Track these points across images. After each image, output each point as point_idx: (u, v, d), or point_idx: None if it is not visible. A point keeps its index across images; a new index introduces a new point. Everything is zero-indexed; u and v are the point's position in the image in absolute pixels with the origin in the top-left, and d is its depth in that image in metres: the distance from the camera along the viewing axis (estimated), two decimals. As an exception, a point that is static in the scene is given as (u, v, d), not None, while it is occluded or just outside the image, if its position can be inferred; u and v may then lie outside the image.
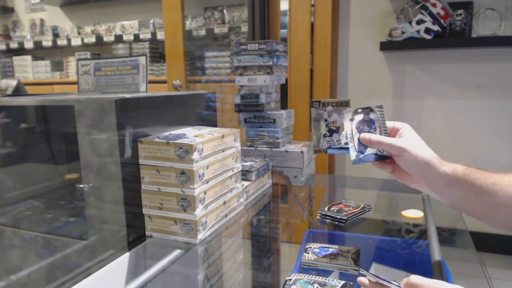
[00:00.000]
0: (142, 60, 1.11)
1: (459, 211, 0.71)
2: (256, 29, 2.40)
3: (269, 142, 1.31)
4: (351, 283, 0.65)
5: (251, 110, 1.31)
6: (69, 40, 3.59)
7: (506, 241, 2.21)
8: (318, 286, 0.64)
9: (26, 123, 1.12)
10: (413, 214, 1.01)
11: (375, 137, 0.68)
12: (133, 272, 0.83)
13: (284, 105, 2.14)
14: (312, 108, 0.73)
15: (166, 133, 0.92)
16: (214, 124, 1.21)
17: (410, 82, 2.31)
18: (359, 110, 0.72)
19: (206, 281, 0.78)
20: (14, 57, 3.92)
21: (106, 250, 0.88)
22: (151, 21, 3.33)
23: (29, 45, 3.76)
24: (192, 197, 0.82)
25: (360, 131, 0.70)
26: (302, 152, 1.27)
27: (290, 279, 0.66)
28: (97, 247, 0.90)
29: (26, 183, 1.16)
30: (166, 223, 0.86)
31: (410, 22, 2.09)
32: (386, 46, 2.23)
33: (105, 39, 3.45)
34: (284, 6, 2.49)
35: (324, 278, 0.67)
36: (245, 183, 1.08)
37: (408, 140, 0.69)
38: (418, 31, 2.08)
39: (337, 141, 0.72)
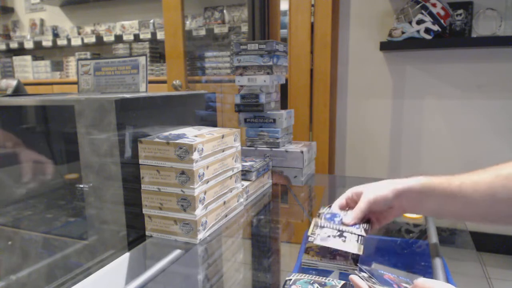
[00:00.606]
0: (142, 60, 1.11)
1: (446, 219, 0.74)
2: (256, 29, 2.40)
3: (269, 142, 1.31)
4: (351, 283, 0.65)
5: (251, 110, 1.31)
6: (69, 40, 3.59)
7: (506, 241, 2.21)
8: (318, 286, 0.64)
9: (26, 123, 1.12)
10: (413, 214, 1.01)
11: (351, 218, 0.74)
12: (133, 272, 0.83)
13: (284, 105, 2.14)
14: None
15: (166, 133, 0.92)
16: (214, 124, 1.21)
17: (410, 82, 2.31)
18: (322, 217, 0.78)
19: (206, 281, 0.78)
20: (14, 57, 3.92)
21: (106, 250, 0.88)
22: (151, 21, 3.33)
23: (29, 45, 3.76)
24: (192, 197, 0.82)
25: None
26: (302, 152, 1.27)
27: (290, 279, 0.66)
28: (97, 247, 0.90)
29: (26, 183, 1.16)
30: (166, 223, 0.86)
31: (410, 22, 2.09)
32: (386, 46, 2.23)
33: (105, 39, 3.45)
34: (284, 6, 2.49)
35: (324, 278, 0.66)
36: (245, 183, 1.08)
37: (365, 196, 0.74)
38: (418, 31, 2.08)
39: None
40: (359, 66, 2.41)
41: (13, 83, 1.38)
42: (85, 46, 3.61)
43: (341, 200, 0.79)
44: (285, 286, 0.64)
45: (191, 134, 0.89)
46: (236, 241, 0.96)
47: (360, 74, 2.42)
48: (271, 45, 1.24)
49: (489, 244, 2.20)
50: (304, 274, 0.68)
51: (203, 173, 0.84)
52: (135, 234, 0.88)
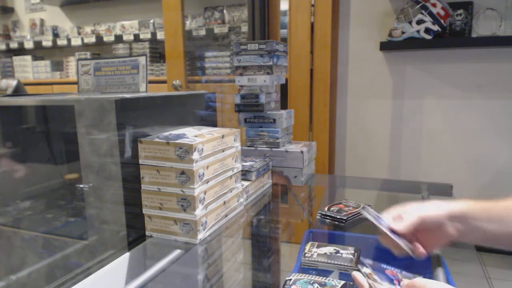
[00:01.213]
0: (142, 60, 1.11)
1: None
2: (256, 29, 2.40)
3: (269, 142, 1.31)
4: (351, 283, 0.65)
5: (251, 110, 1.31)
6: (69, 40, 3.59)
7: (506, 241, 2.21)
8: (318, 286, 0.64)
9: (26, 123, 1.12)
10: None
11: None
12: (133, 272, 0.83)
13: (284, 105, 2.14)
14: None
15: (166, 133, 0.92)
16: (214, 124, 1.21)
17: (410, 82, 2.31)
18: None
19: (206, 281, 0.78)
20: (14, 57, 3.92)
21: (106, 250, 0.88)
22: (151, 21, 3.33)
23: (29, 45, 3.76)
24: (192, 197, 0.82)
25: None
26: (302, 152, 1.27)
27: (290, 279, 0.66)
28: (97, 247, 0.90)
29: (26, 183, 1.16)
30: (166, 223, 0.86)
31: (410, 22, 2.09)
32: (386, 46, 2.23)
33: (105, 39, 3.45)
34: (284, 6, 2.49)
35: (324, 278, 0.66)
36: (245, 183, 1.08)
37: (416, 212, 0.68)
38: (418, 31, 2.08)
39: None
40: (359, 66, 2.41)
41: (13, 83, 1.38)
42: (85, 46, 3.61)
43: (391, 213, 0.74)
44: (285, 286, 0.65)
45: (191, 134, 0.89)
46: (236, 241, 0.96)
47: (360, 74, 2.42)
48: (271, 45, 1.24)
49: (489, 244, 2.20)
50: (304, 274, 0.68)
51: (203, 173, 0.84)
52: (135, 234, 0.88)
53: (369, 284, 0.54)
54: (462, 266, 0.78)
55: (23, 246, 1.04)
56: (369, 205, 1.00)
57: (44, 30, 3.83)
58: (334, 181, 1.73)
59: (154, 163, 0.84)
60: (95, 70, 1.17)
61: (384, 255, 0.88)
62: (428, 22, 2.05)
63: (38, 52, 3.92)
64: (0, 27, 4.12)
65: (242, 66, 1.29)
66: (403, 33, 2.12)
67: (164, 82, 2.91)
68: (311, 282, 0.65)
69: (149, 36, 3.26)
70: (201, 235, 0.85)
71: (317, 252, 0.77)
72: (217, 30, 3.00)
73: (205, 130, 0.96)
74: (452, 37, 2.17)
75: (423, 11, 2.05)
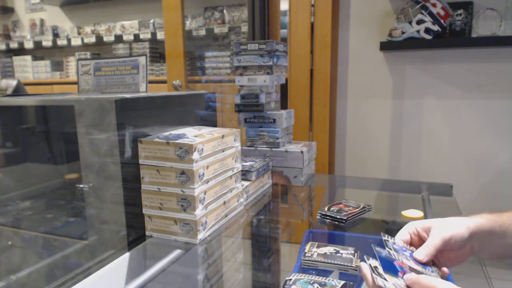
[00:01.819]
0: (142, 60, 1.11)
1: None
2: (256, 29, 2.40)
3: (269, 142, 1.31)
4: (351, 283, 0.65)
5: (251, 110, 1.31)
6: (69, 40, 3.59)
7: (506, 241, 2.20)
8: (318, 286, 0.64)
9: (26, 123, 1.12)
10: (413, 214, 1.01)
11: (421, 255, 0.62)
12: (133, 272, 0.83)
13: (284, 105, 2.14)
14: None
15: (166, 133, 0.92)
16: (214, 124, 1.21)
17: (410, 82, 2.31)
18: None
19: (206, 281, 0.78)
20: (14, 57, 3.92)
21: (106, 250, 0.88)
22: (151, 21, 3.33)
23: (29, 45, 3.76)
24: (192, 197, 0.82)
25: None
26: (302, 152, 1.27)
27: (290, 279, 0.66)
28: (97, 247, 0.90)
29: (26, 183, 1.16)
30: (166, 223, 0.86)
31: (410, 22, 2.09)
32: (386, 46, 2.23)
33: (105, 39, 3.45)
34: (284, 6, 2.49)
35: (324, 278, 0.67)
36: (245, 183, 1.08)
37: (439, 233, 0.63)
38: (418, 31, 2.08)
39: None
40: (359, 66, 2.41)
41: (13, 83, 1.38)
42: (85, 46, 3.61)
43: (404, 234, 0.67)
44: (285, 286, 0.65)
45: (191, 134, 0.89)
46: (236, 241, 0.96)
47: (360, 74, 2.42)
48: (271, 45, 1.24)
49: (489, 244, 2.20)
50: (304, 274, 0.68)
51: (203, 173, 0.84)
52: (135, 234, 0.88)
53: (373, 277, 0.53)
54: (462, 266, 0.78)
55: (23, 246, 1.04)
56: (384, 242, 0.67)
57: (44, 30, 3.83)
58: (334, 181, 1.73)
59: (154, 163, 0.84)
60: (95, 70, 1.16)
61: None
62: (428, 22, 2.05)
63: (38, 52, 3.92)
64: (0, 27, 4.12)
65: (242, 66, 1.28)
66: (403, 33, 2.12)
67: (164, 82, 2.91)
68: (311, 282, 0.65)
69: (149, 36, 3.26)
70: (201, 235, 0.85)
71: (317, 252, 0.77)
72: (217, 30, 3.00)
73: (205, 130, 0.96)
74: (452, 37, 2.17)
75: (423, 11, 2.05)
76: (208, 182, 0.86)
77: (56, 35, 3.73)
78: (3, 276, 1.04)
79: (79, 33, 3.66)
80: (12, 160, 1.15)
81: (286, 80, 2.38)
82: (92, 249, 0.91)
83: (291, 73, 2.41)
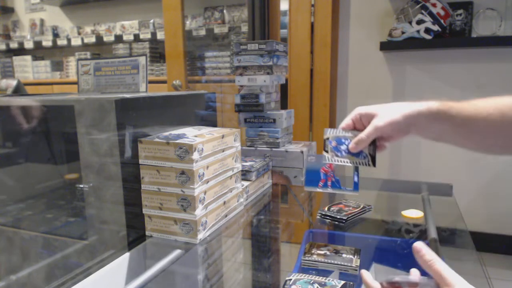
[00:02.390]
0: (142, 60, 1.11)
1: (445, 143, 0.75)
2: (256, 29, 2.40)
3: (269, 142, 1.31)
4: (351, 283, 0.65)
5: (251, 110, 1.31)
6: (69, 40, 3.59)
7: (506, 241, 2.21)
8: (318, 286, 0.64)
9: (26, 123, 1.12)
10: (413, 214, 1.01)
11: (356, 138, 0.76)
12: (133, 272, 0.83)
13: (284, 105, 2.14)
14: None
15: (166, 133, 0.92)
16: (214, 124, 1.21)
17: (410, 82, 2.31)
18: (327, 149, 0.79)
19: (206, 281, 0.78)
20: (14, 57, 3.92)
21: (106, 250, 0.88)
22: (151, 21, 3.33)
23: (29, 45, 3.76)
24: (192, 197, 0.82)
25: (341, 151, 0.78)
26: (302, 152, 1.27)
27: (290, 279, 0.66)
28: (97, 247, 0.90)
29: (26, 183, 1.16)
30: (166, 223, 0.86)
31: (410, 22, 2.09)
32: (386, 46, 2.23)
33: (105, 39, 3.45)
34: (284, 6, 2.49)
35: (324, 278, 0.67)
36: (245, 183, 1.08)
37: (375, 122, 0.74)
38: (418, 31, 2.08)
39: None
40: (359, 66, 2.41)
41: (13, 83, 1.38)
42: (85, 46, 3.61)
43: (347, 121, 0.79)
44: (285, 286, 0.65)
45: (191, 134, 0.89)
46: (236, 241, 0.96)
47: (360, 74, 2.42)
48: (271, 45, 1.24)
49: (489, 244, 2.20)
50: (304, 274, 0.68)
51: (203, 173, 0.84)
52: (135, 234, 0.88)
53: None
54: (462, 266, 0.78)
55: (23, 246, 1.04)
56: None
57: (44, 30, 3.84)
58: (334, 181, 1.72)
59: (154, 163, 0.84)
60: (95, 70, 1.17)
61: (385, 256, 0.88)
62: (428, 22, 2.05)
63: (38, 52, 3.92)
64: (0, 27, 4.13)
65: (242, 66, 1.29)
66: (403, 33, 2.12)
67: (164, 82, 2.92)
68: (311, 282, 0.65)
69: (149, 36, 3.26)
70: (201, 235, 0.85)
71: (317, 252, 0.77)
72: (217, 30, 3.00)
73: (205, 130, 0.96)
74: (452, 37, 2.17)
75: (423, 11, 2.05)
76: (208, 182, 0.86)
77: (56, 35, 3.73)
78: (3, 276, 1.04)
79: (79, 33, 3.66)
80: (12, 160, 1.15)
81: (286, 80, 2.38)
82: (92, 249, 0.91)
83: (291, 73, 2.41)
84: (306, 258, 0.75)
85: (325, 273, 0.72)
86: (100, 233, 0.89)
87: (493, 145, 0.69)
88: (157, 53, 3.37)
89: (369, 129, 0.74)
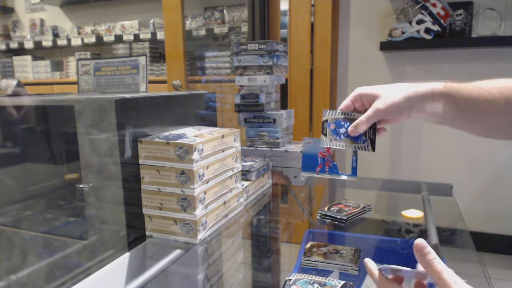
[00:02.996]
0: (142, 60, 1.11)
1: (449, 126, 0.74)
2: (256, 29, 2.40)
3: (269, 142, 1.31)
4: (351, 283, 0.65)
5: (251, 110, 1.31)
6: (69, 40, 3.59)
7: (506, 241, 2.21)
8: (318, 286, 0.64)
9: (26, 123, 1.12)
10: (413, 214, 1.01)
11: (356, 122, 0.73)
12: (133, 272, 0.83)
13: (284, 105, 2.14)
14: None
15: (166, 133, 0.92)
16: (214, 124, 1.21)
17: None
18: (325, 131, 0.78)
19: (206, 281, 0.78)
20: (14, 57, 3.92)
21: (106, 250, 0.88)
22: (151, 21, 3.33)
23: (29, 45, 3.76)
24: (192, 197, 0.82)
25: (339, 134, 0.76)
26: (302, 152, 1.27)
27: (290, 279, 0.66)
28: (97, 247, 0.90)
29: (26, 183, 1.16)
30: (166, 223, 0.86)
31: (410, 22, 2.09)
32: (386, 46, 2.23)
33: (105, 39, 3.45)
34: (284, 6, 2.49)
35: (324, 278, 0.67)
36: (245, 183, 1.08)
37: (376, 105, 0.72)
38: (418, 31, 2.08)
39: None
40: (359, 66, 2.42)
41: (13, 83, 1.38)
42: (85, 46, 3.61)
43: (347, 102, 0.77)
44: (285, 286, 0.65)
45: (191, 134, 0.89)
46: (236, 241, 0.96)
47: (360, 74, 2.42)
48: (271, 45, 1.24)
49: (489, 244, 2.20)
50: (304, 274, 0.68)
51: (203, 173, 0.84)
52: (135, 234, 0.88)
53: (378, 272, 0.51)
54: (462, 266, 0.78)
55: (23, 246, 1.04)
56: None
57: (44, 30, 3.83)
58: (334, 181, 1.72)
59: (154, 163, 0.84)
60: (95, 70, 1.17)
61: (385, 256, 0.88)
62: (428, 22, 2.05)
63: (38, 52, 3.92)
64: (0, 27, 4.12)
65: (242, 66, 1.29)
66: (403, 33, 2.12)
67: (164, 82, 2.91)
68: (311, 282, 0.65)
69: (149, 36, 3.26)
70: (201, 235, 0.85)
71: (317, 252, 0.77)
72: (217, 30, 3.00)
73: (205, 130, 0.96)
74: (452, 37, 2.17)
75: (423, 11, 2.05)
76: (208, 182, 0.86)
77: (56, 35, 3.73)
78: (3, 276, 1.04)
79: (79, 33, 3.66)
80: (12, 160, 1.15)
81: (286, 80, 2.38)
82: (92, 249, 0.91)
83: (291, 73, 2.41)
84: (306, 258, 0.75)
85: (325, 273, 0.72)
86: (100, 233, 0.89)
87: (495, 129, 0.68)
88: (157, 53, 3.37)
89: (369, 112, 0.72)
